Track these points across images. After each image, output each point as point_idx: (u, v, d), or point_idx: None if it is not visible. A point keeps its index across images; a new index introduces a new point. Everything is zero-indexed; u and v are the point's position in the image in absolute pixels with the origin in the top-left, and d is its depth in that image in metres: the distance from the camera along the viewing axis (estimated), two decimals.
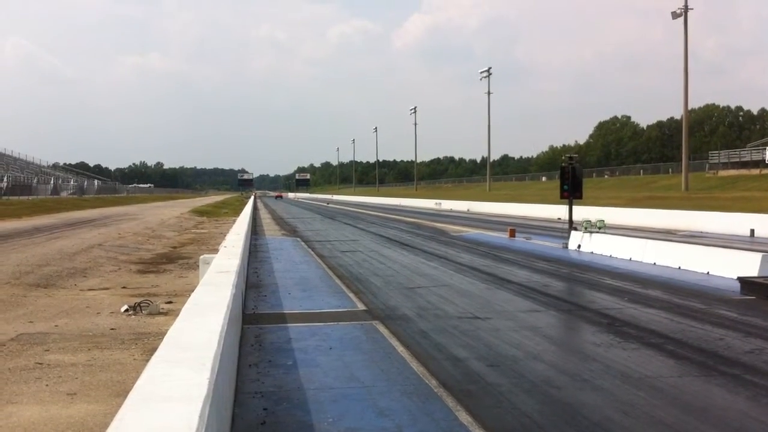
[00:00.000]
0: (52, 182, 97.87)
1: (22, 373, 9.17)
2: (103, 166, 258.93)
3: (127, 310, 13.59)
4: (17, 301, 14.78)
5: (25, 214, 49.66)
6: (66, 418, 7.38)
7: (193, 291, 8.29)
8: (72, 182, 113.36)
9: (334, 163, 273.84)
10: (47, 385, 8.61)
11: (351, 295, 15.56)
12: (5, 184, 76.53)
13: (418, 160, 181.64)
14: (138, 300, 14.27)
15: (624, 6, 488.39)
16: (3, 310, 13.76)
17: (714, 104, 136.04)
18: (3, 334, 11.46)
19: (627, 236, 24.95)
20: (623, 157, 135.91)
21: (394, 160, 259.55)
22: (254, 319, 12.56)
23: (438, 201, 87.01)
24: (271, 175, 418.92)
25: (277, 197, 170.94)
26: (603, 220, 26.35)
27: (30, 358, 9.95)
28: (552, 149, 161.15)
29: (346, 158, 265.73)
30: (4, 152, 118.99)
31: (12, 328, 11.97)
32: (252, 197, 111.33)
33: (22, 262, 21.30)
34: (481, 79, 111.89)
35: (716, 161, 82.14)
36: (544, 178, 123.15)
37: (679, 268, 19.53)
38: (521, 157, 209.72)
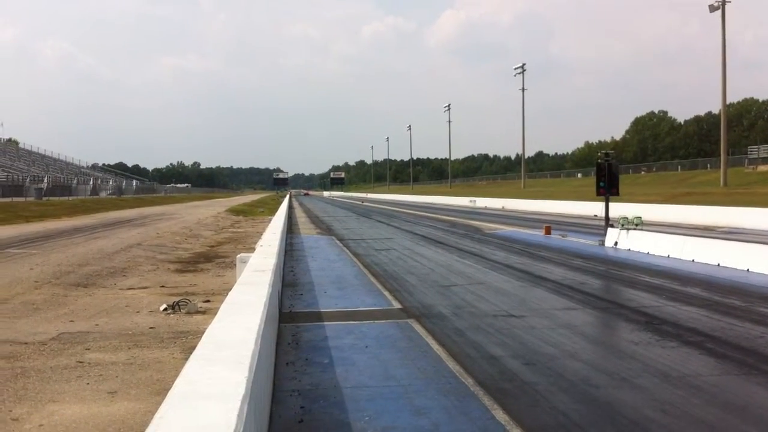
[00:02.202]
0: (91, 183, 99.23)
1: (63, 371, 9.32)
2: (141, 166, 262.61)
3: (165, 309, 13.74)
4: (58, 301, 15.02)
5: (65, 215, 50.42)
6: (107, 416, 7.49)
7: (230, 290, 8.36)
8: (111, 183, 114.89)
9: (369, 161, 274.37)
10: (88, 384, 8.74)
11: (386, 293, 15.58)
12: (46, 185, 77.77)
13: (453, 158, 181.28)
14: (176, 299, 14.42)
15: None
16: (44, 309, 14.00)
17: (753, 98, 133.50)
18: (44, 333, 11.66)
19: (665, 233, 24.67)
20: (660, 153, 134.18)
21: (428, 158, 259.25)
22: (291, 317, 12.64)
23: (472, 198, 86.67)
24: (306, 174, 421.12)
25: (305, 194, 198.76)
26: (640, 217, 26.08)
27: (71, 357, 10.10)
28: (587, 145, 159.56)
29: (380, 156, 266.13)
30: (44, 153, 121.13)
31: (53, 327, 12.17)
32: (287, 196, 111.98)
33: (63, 261, 21.64)
34: (515, 76, 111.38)
35: (755, 156, 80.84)
36: (579, 175, 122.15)
37: (719, 265, 19.27)
38: (556, 153, 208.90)
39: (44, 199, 68.27)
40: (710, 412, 7.28)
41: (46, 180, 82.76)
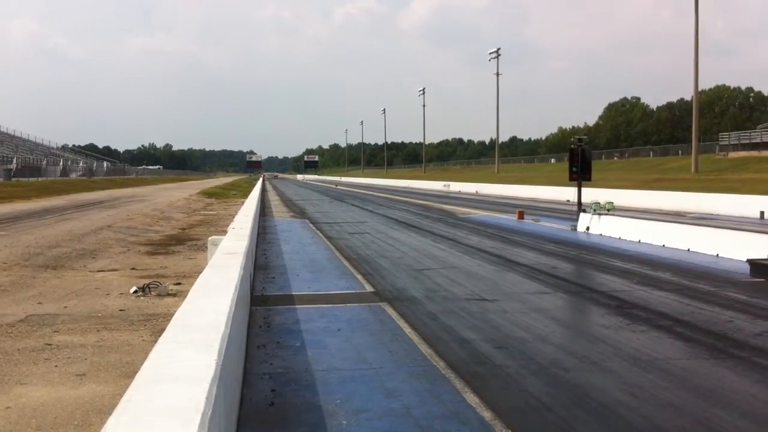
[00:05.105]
0: (61, 164, 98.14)
1: (31, 354, 9.21)
2: (112, 147, 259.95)
3: (136, 292, 13.62)
4: (26, 283, 14.83)
5: (34, 196, 49.83)
6: (75, 399, 7.42)
7: (201, 272, 8.29)
8: (81, 164, 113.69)
9: (343, 144, 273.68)
10: (56, 366, 8.65)
11: (359, 276, 15.56)
12: (15, 166, 76.78)
13: (427, 142, 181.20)
14: (147, 281, 14.30)
15: None
16: (12, 291, 13.82)
17: (724, 85, 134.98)
18: (12, 315, 11.51)
19: (636, 218, 24.86)
20: (633, 139, 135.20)
21: (403, 142, 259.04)
22: (262, 300, 12.59)
23: (446, 183, 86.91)
24: (280, 156, 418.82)
25: (275, 177, 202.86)
26: (612, 202, 26.25)
27: (39, 339, 9.99)
28: (561, 131, 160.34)
29: (354, 140, 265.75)
30: (13, 134, 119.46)
31: (21, 309, 12.02)
32: (261, 179, 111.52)
33: (32, 243, 21.38)
34: (490, 60, 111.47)
35: (726, 143, 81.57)
36: (553, 160, 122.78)
37: (689, 250, 19.46)
38: (530, 138, 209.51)
39: (13, 179, 67.43)
40: (679, 396, 7.35)
41: (15, 160, 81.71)
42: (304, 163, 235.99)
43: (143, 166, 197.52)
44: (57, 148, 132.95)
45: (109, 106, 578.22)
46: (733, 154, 76.83)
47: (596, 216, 25.26)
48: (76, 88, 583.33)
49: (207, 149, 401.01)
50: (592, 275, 16.42)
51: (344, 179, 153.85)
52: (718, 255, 18.33)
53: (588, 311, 12.44)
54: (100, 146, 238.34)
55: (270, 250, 20.61)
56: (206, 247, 15.42)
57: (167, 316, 10.73)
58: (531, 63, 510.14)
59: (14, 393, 7.61)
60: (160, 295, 13.41)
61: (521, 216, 32.06)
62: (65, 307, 12.34)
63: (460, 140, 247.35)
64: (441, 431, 6.34)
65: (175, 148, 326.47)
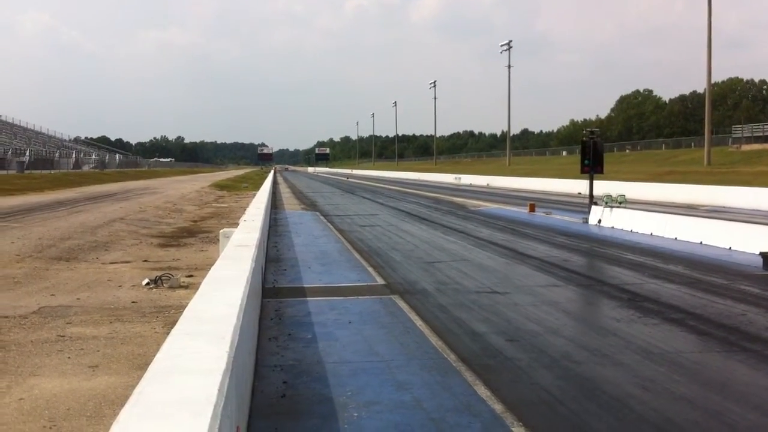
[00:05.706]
0: (73, 156, 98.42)
1: (44, 345, 9.26)
2: (125, 140, 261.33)
3: (148, 284, 13.67)
4: (39, 275, 14.91)
5: (47, 188, 50.07)
6: (88, 390, 7.45)
7: (213, 265, 8.31)
8: (93, 156, 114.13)
9: (354, 137, 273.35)
10: (69, 358, 8.69)
11: (370, 269, 15.56)
12: (28, 158, 77.12)
13: (438, 134, 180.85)
14: (159, 273, 14.34)
15: None
16: (25, 283, 13.89)
17: (737, 78, 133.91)
18: (25, 307, 11.57)
19: (648, 211, 24.76)
20: (645, 132, 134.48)
21: (414, 135, 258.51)
22: (274, 292, 12.61)
23: (457, 176, 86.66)
24: (291, 149, 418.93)
25: (285, 169, 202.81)
26: (624, 195, 26.17)
27: (52, 331, 10.04)
28: (573, 123, 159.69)
29: (365, 132, 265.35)
30: (26, 126, 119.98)
31: (34, 301, 12.08)
32: (272, 171, 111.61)
33: (45, 235, 21.48)
34: (501, 53, 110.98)
35: (739, 135, 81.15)
36: (564, 153, 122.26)
37: (701, 243, 19.37)
38: (542, 131, 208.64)
39: (26, 172, 67.74)
40: (692, 389, 7.32)
41: (28, 153, 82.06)
42: (315, 156, 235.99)
43: (155, 159, 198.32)
44: (69, 140, 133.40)
45: (122, 99, 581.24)
46: (745, 147, 76.40)
47: (608, 209, 25.18)
48: (88, 80, 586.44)
49: (218, 142, 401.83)
50: (603, 268, 16.37)
51: (355, 172, 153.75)
52: (730, 248, 18.24)
53: (599, 304, 12.40)
54: (113, 138, 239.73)
55: (281, 242, 20.64)
56: (218, 240, 15.48)
57: (179, 308, 10.76)
58: (543, 55, 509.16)
59: (27, 384, 7.65)
60: (172, 287, 13.45)
61: (532, 209, 31.98)
62: (78, 298, 12.40)
63: (471, 133, 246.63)
64: (452, 424, 6.34)
65: (186, 140, 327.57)
